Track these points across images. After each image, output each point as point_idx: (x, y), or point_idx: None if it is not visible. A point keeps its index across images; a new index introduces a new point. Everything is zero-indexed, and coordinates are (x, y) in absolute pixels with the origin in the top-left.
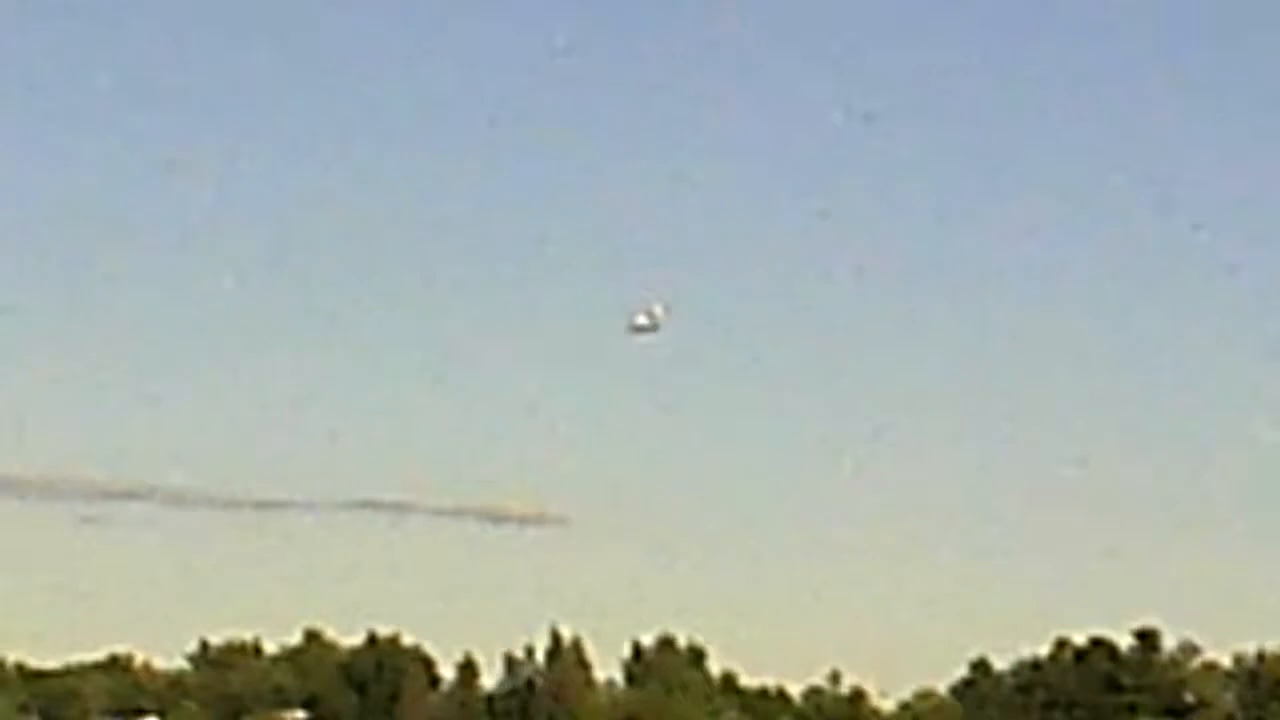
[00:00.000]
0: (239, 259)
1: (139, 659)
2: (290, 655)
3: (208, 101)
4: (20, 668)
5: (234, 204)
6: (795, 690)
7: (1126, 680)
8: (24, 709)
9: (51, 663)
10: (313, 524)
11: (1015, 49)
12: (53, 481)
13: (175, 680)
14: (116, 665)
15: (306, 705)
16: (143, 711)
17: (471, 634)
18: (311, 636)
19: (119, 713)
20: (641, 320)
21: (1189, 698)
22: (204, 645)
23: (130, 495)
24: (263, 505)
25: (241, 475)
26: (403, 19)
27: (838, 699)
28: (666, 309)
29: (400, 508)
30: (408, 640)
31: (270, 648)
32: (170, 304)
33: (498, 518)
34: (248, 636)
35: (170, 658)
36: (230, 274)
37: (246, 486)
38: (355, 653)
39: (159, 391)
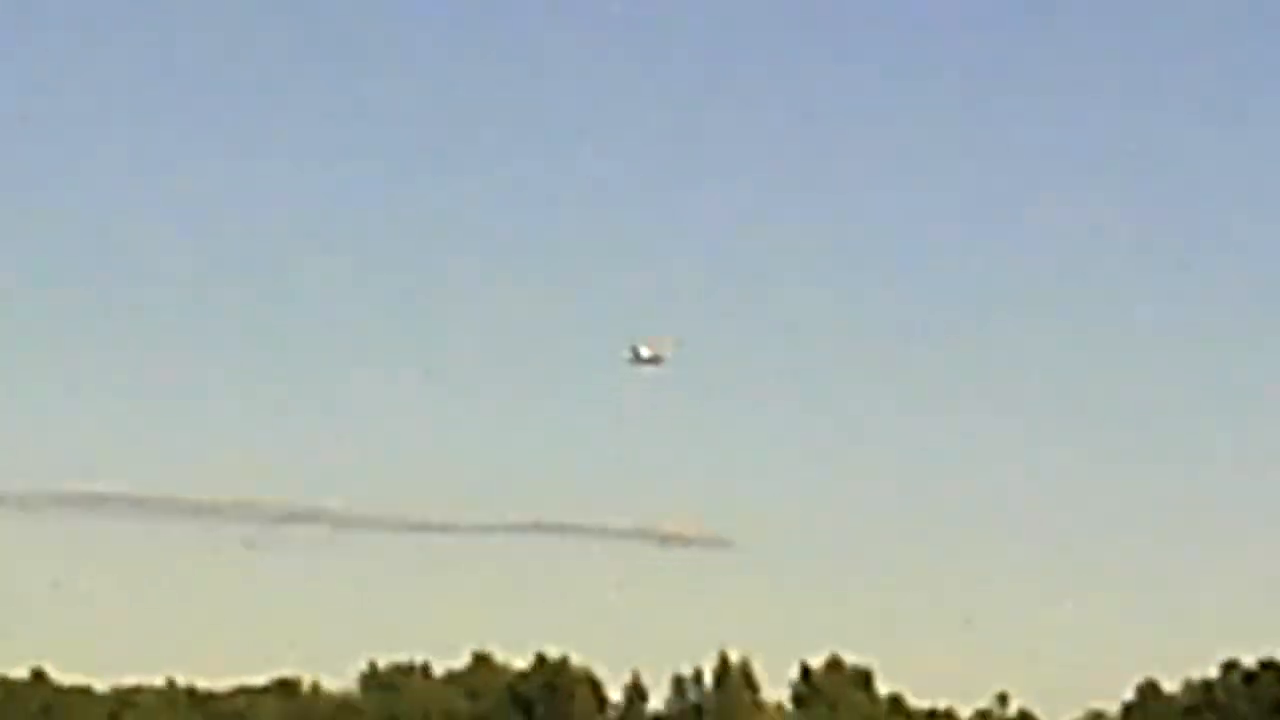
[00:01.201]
0: (405, 281)
1: (308, 681)
2: (459, 677)
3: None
4: (190, 691)
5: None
6: (963, 713)
7: None
8: None
9: (221, 686)
10: (482, 546)
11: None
12: (221, 505)
13: (344, 703)
14: (285, 688)
15: None
16: None
17: (639, 656)
18: (480, 658)
19: None
20: (645, 352)
21: None
22: (373, 667)
23: (298, 518)
24: (431, 528)
25: (410, 498)
26: (413, 20)
27: None
28: (676, 343)
29: (569, 530)
30: (576, 662)
31: (439, 670)
32: (334, 327)
33: (666, 540)
34: (417, 658)
35: (339, 680)
36: (390, 296)
37: (415, 509)
38: (524, 675)
39: (326, 415)
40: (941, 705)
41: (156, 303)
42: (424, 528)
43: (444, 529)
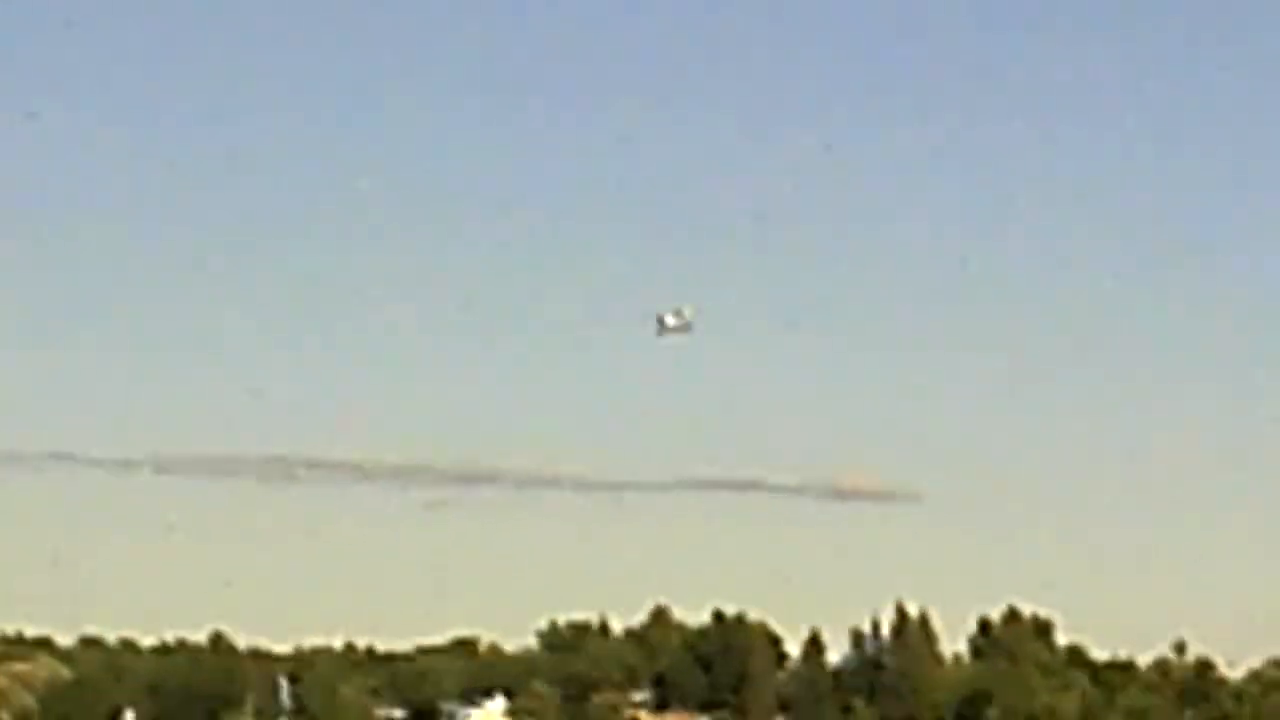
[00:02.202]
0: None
1: (488, 640)
2: (638, 634)
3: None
4: (371, 651)
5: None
6: (1142, 661)
7: None
8: (375, 692)
9: (402, 646)
10: (659, 504)
11: None
12: (402, 468)
13: (524, 660)
14: (466, 647)
15: (654, 684)
16: (492, 692)
17: (818, 610)
18: (658, 616)
19: (469, 693)
20: (671, 321)
21: None
22: (552, 625)
23: (478, 479)
24: (609, 486)
25: (588, 457)
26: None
27: (1185, 669)
28: (694, 310)
29: (747, 486)
30: (754, 617)
31: (617, 627)
32: (513, 295)
33: (843, 494)
34: (595, 616)
35: (519, 638)
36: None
37: (593, 468)
38: (702, 631)
39: (505, 378)
40: (1121, 655)
41: (344, 279)
42: (602, 486)
43: (622, 487)
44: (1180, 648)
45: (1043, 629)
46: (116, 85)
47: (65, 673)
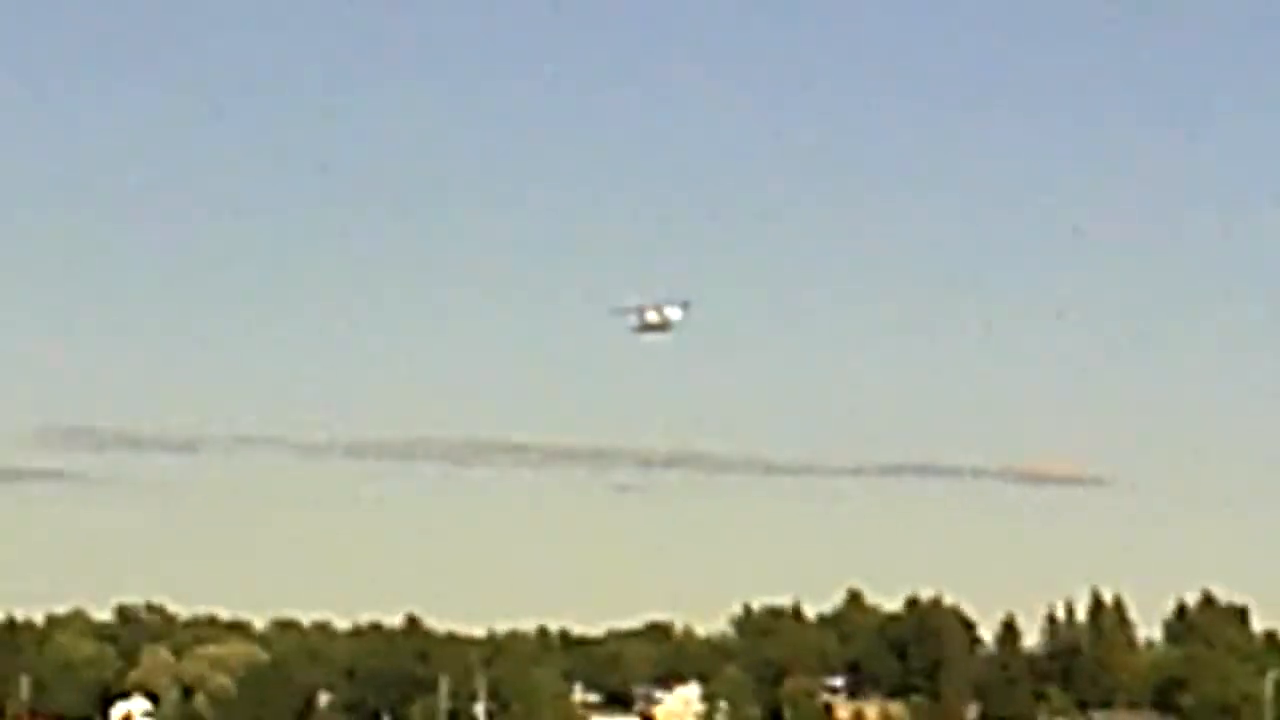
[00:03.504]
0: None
1: (680, 625)
2: (831, 620)
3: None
4: (564, 636)
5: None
6: None
7: None
8: (568, 676)
9: (594, 630)
10: (854, 488)
11: None
12: (595, 451)
13: (717, 646)
14: (659, 632)
15: (848, 669)
16: (684, 678)
17: (1012, 595)
18: (852, 600)
19: (661, 679)
20: (652, 317)
21: None
22: (746, 610)
23: (672, 463)
24: (803, 470)
25: (779, 441)
26: None
27: None
28: (681, 306)
29: (939, 470)
30: (948, 602)
31: (811, 612)
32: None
33: (1038, 479)
34: (789, 601)
35: (712, 623)
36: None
37: (786, 452)
38: (896, 616)
39: (700, 362)
40: None
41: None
42: (795, 470)
43: (815, 471)
44: None
45: (1239, 614)
46: None
47: (261, 656)
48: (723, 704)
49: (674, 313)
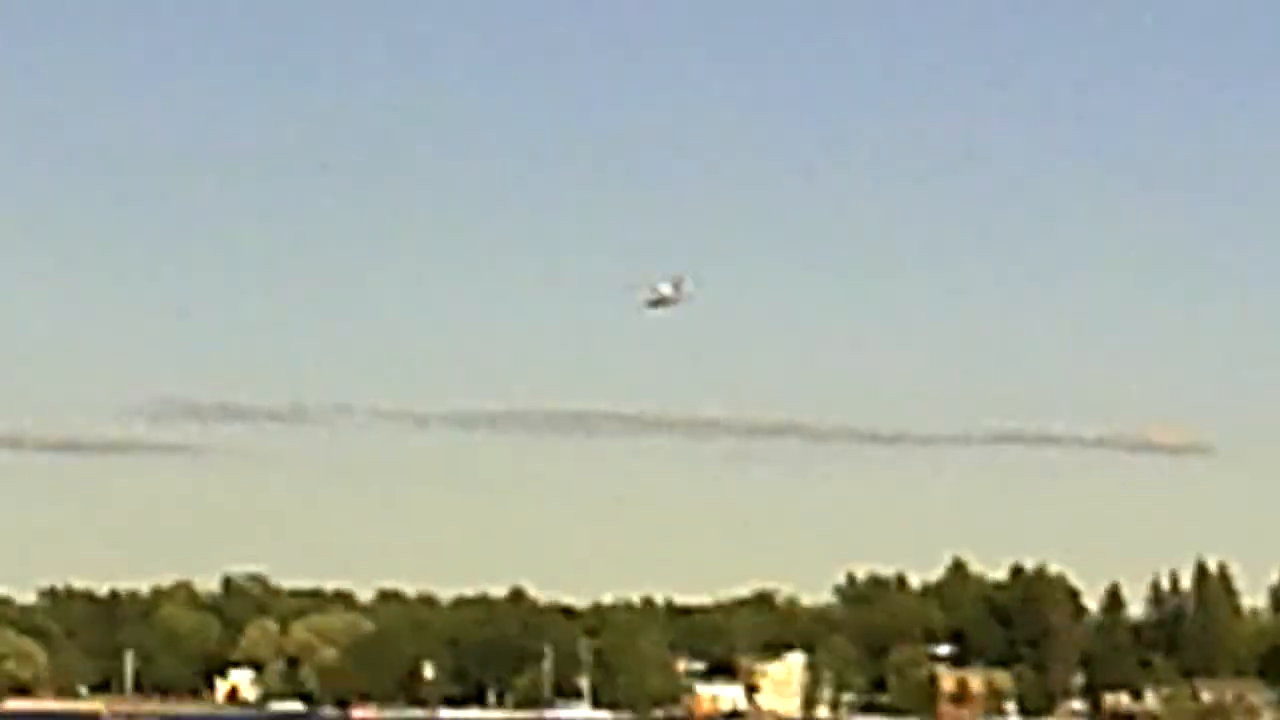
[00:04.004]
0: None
1: (785, 594)
2: (935, 589)
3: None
4: (669, 605)
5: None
6: None
7: None
8: (673, 645)
9: (700, 599)
10: (957, 457)
11: None
12: (700, 421)
13: (822, 615)
14: (763, 601)
15: (953, 638)
16: (789, 646)
17: (1117, 564)
18: (957, 569)
19: (765, 648)
20: (667, 290)
21: None
22: (850, 579)
23: (776, 432)
24: (907, 439)
25: (886, 410)
26: None
27: None
28: (681, 283)
29: (1044, 439)
30: (1053, 571)
31: (915, 581)
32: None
33: (1143, 447)
34: (893, 571)
35: (817, 593)
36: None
37: (891, 421)
38: (1000, 585)
39: (801, 330)
40: None
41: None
42: (899, 439)
43: (920, 440)
44: None
45: None
46: None
47: (366, 626)
48: (827, 673)
49: (673, 288)
